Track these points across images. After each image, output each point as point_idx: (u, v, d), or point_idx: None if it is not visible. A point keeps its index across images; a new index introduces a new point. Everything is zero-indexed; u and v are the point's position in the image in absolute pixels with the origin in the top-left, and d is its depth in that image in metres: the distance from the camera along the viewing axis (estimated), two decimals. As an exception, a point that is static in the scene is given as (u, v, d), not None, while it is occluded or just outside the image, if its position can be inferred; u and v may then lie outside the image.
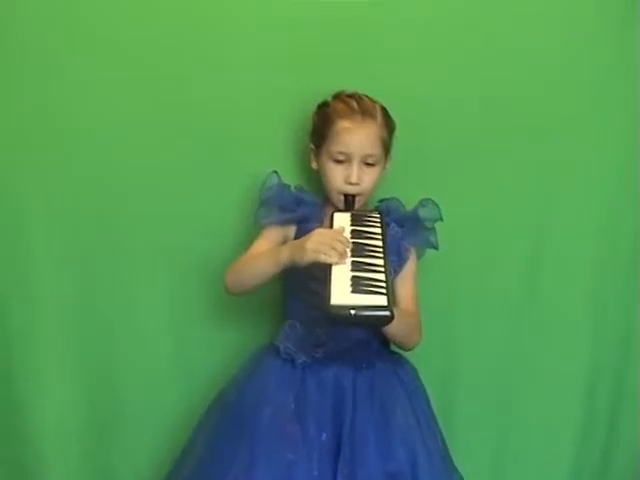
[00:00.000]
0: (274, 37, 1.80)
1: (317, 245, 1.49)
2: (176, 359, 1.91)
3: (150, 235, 1.86)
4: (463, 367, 1.95)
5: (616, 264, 1.94)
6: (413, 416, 1.64)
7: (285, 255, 1.56)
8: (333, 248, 1.47)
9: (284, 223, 1.72)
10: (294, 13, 1.80)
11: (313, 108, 1.73)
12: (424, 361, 1.78)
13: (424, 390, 1.75)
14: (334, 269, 1.46)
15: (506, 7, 1.84)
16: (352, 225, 1.59)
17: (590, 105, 1.89)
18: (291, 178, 1.78)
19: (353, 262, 1.48)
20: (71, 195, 1.84)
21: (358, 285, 1.42)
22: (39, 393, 1.88)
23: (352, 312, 1.37)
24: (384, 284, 1.43)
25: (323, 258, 1.47)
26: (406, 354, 1.75)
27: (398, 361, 1.74)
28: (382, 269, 1.47)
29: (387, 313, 1.38)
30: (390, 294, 1.42)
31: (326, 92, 1.72)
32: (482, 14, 1.84)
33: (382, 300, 1.40)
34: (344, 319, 1.39)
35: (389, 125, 1.71)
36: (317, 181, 1.75)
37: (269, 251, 1.65)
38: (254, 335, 1.89)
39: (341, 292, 1.41)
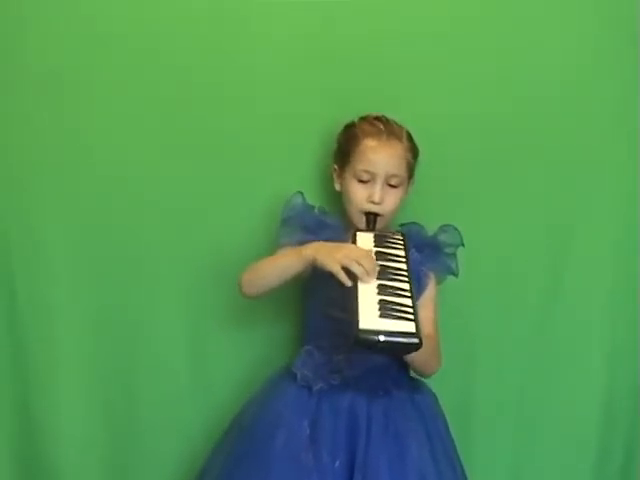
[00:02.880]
0: (301, 58, 1.81)
1: (344, 259, 1.47)
2: (193, 373, 1.90)
3: (169, 250, 1.86)
4: (481, 394, 1.94)
5: (634, 284, 1.93)
6: (429, 445, 1.62)
7: (311, 251, 1.54)
8: (360, 265, 1.45)
9: (304, 245, 1.68)
10: (320, 35, 1.81)
11: (339, 130, 1.74)
12: (441, 387, 1.75)
13: (443, 416, 1.73)
14: (360, 291, 1.44)
15: (532, 35, 1.86)
16: (376, 246, 1.57)
17: (607, 127, 1.89)
18: (314, 200, 1.78)
19: (379, 285, 1.46)
20: (88, 208, 1.84)
21: (386, 310, 1.40)
22: (56, 409, 1.87)
23: (381, 338, 1.35)
24: (411, 309, 1.41)
25: (342, 277, 1.46)
26: (424, 380, 1.73)
27: (416, 387, 1.71)
28: (408, 294, 1.46)
29: (415, 340, 1.36)
30: (418, 320, 1.39)
31: (352, 114, 1.73)
32: (507, 41, 1.85)
33: (410, 327, 1.37)
34: (371, 344, 1.36)
35: (413, 149, 1.71)
36: (339, 204, 1.75)
37: (292, 249, 1.62)
38: (271, 349, 1.89)
39: (369, 316, 1.38)
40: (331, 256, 1.49)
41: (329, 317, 1.63)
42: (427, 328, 1.67)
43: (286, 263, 1.60)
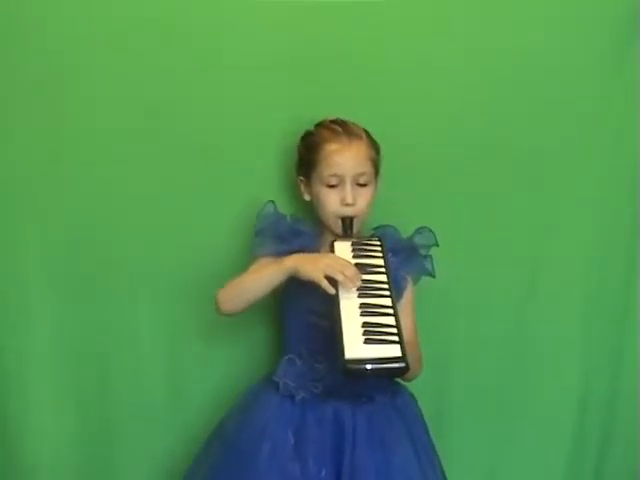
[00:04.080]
0: (271, 66, 1.79)
1: (327, 267, 1.47)
2: (170, 389, 1.90)
3: (145, 263, 1.85)
4: (456, 395, 1.95)
5: (609, 293, 1.95)
6: (412, 450, 1.64)
7: (291, 263, 1.53)
8: (342, 273, 1.45)
9: (279, 254, 1.68)
10: (290, 44, 1.78)
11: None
12: (417, 388, 1.76)
13: (422, 419, 1.75)
14: (344, 313, 1.43)
15: (508, 41, 1.82)
16: (354, 257, 1.56)
17: (586, 139, 1.88)
18: (287, 207, 1.77)
19: (362, 304, 1.45)
20: (66, 220, 1.83)
21: (370, 334, 1.39)
22: (29, 426, 1.86)
23: (368, 367, 1.34)
24: (395, 330, 1.41)
25: (324, 285, 1.46)
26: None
27: (397, 391, 1.72)
28: (391, 310, 1.45)
29: (402, 365, 1.35)
30: (403, 341, 1.39)
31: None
32: (481, 46, 1.82)
33: (396, 351, 1.37)
34: (359, 373, 1.36)
35: (375, 145, 1.71)
36: (312, 211, 1.73)
37: (270, 263, 1.62)
38: (251, 362, 1.89)
39: (354, 343, 1.37)
40: (313, 266, 1.49)
41: (309, 325, 1.64)
42: (408, 335, 1.64)
43: (267, 277, 1.58)
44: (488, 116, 1.84)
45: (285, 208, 1.76)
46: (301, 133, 1.72)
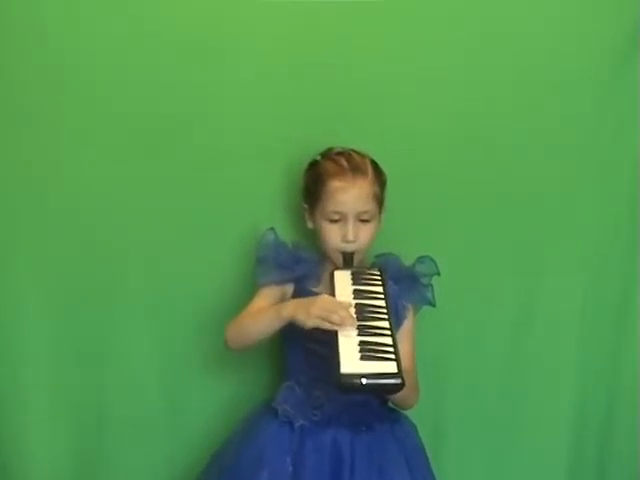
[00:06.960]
0: (273, 91, 1.80)
1: (320, 311, 1.47)
2: (168, 414, 1.89)
3: (144, 289, 1.85)
4: (452, 422, 1.95)
5: (606, 316, 1.95)
6: (411, 477, 1.63)
7: (288, 311, 1.53)
8: (337, 315, 1.45)
9: (282, 282, 1.70)
10: (292, 67, 1.79)
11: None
12: (415, 415, 1.75)
13: (422, 447, 1.74)
14: (340, 334, 1.44)
15: (506, 61, 1.83)
16: (353, 284, 1.58)
17: (583, 160, 1.89)
18: (288, 233, 1.78)
19: (359, 326, 1.46)
20: (63, 250, 1.82)
21: (367, 351, 1.40)
22: (27, 448, 1.85)
23: (363, 381, 1.34)
24: (392, 349, 1.41)
25: (327, 326, 1.46)
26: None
27: (397, 419, 1.72)
28: (388, 332, 1.46)
29: (398, 380, 1.36)
30: (399, 359, 1.40)
31: (325, 147, 1.72)
32: (481, 67, 1.83)
33: (392, 367, 1.37)
34: (354, 388, 1.36)
35: (380, 179, 1.70)
36: (314, 236, 1.74)
37: (271, 307, 1.63)
38: (248, 390, 1.88)
39: (350, 359, 1.38)
40: (308, 313, 1.48)
41: (309, 352, 1.64)
42: (406, 362, 1.66)
43: (267, 323, 1.59)
44: (488, 141, 1.86)
45: (288, 231, 1.78)
46: (303, 155, 1.73)
